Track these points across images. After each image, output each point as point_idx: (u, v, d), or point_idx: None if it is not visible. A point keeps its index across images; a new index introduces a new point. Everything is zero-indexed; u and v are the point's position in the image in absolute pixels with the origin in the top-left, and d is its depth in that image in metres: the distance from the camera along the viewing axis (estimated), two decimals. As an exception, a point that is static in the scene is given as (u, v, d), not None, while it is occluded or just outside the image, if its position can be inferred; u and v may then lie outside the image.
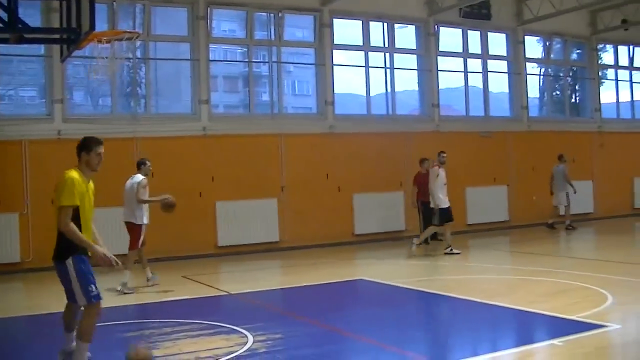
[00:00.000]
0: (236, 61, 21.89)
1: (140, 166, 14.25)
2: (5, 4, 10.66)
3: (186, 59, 19.63)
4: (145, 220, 14.08)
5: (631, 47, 28.59)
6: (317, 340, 9.15)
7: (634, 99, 28.83)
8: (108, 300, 12.53)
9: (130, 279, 13.38)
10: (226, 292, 13.34)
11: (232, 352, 8.30)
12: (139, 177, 14.01)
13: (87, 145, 8.39)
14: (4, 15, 10.87)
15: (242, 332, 9.29)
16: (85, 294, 7.54)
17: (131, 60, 18.46)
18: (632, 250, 15.58)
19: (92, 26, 10.37)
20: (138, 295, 13.43)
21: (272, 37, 20.63)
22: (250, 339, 8.92)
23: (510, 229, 23.09)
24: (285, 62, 21.29)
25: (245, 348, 8.49)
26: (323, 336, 9.41)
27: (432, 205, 17.58)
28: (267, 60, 21.04)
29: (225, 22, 21.51)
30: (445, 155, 17.81)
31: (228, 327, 9.67)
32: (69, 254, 7.63)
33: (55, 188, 7.74)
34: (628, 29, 26.68)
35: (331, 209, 20.39)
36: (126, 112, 18.84)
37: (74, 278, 7.57)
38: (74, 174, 7.82)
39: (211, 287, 13.94)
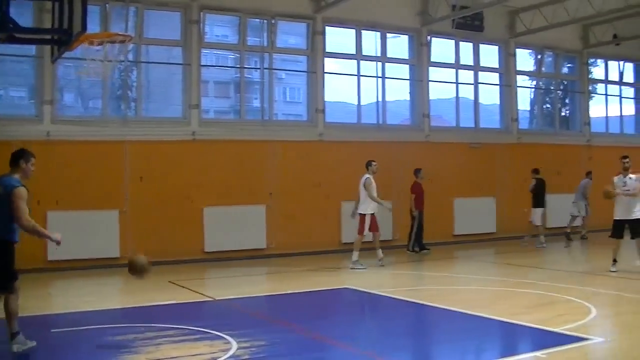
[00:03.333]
0: (228, 67, 21.86)
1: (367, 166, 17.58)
2: (-3, 4, 10.64)
3: (178, 64, 19.59)
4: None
5: (621, 62, 28.73)
6: (301, 348, 9.14)
7: (623, 113, 28.96)
8: (93, 304, 12.57)
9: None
10: (211, 297, 13.32)
11: (215, 358, 8.28)
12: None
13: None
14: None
15: (226, 338, 9.26)
16: None
17: (123, 63, 18.42)
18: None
19: (84, 27, 10.37)
20: (123, 299, 13.42)
21: (265, 43, 20.62)
22: (234, 345, 8.89)
23: (497, 241, 23.07)
24: (277, 69, 21.29)
25: (229, 354, 8.46)
26: (307, 344, 9.40)
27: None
28: (258, 67, 21.05)
29: (218, 27, 21.51)
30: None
31: (212, 333, 9.64)
32: None
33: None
34: (619, 44, 26.82)
35: (319, 216, 20.37)
36: (116, 115, 18.80)
37: None
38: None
39: (196, 292, 13.90)
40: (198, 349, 8.84)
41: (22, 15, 11.86)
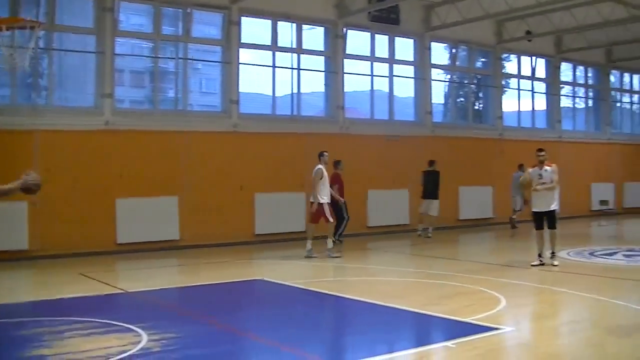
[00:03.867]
0: (143, 56, 21.48)
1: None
2: None
3: (91, 52, 19.21)
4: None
5: (533, 57, 29.37)
6: (212, 340, 9.08)
7: (535, 108, 29.59)
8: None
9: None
10: (122, 290, 13.15)
11: (125, 351, 8.16)
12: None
13: None
14: None
15: (136, 331, 9.15)
16: None
17: (33, 50, 18.02)
18: (527, 253, 16.02)
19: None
20: (32, 292, 13.18)
21: (180, 33, 20.43)
22: (145, 338, 8.78)
23: (411, 232, 23.28)
24: (192, 59, 21.07)
25: (139, 347, 8.35)
26: (219, 336, 9.35)
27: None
28: (174, 57, 20.82)
29: (134, 16, 21.18)
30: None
31: (122, 326, 9.51)
32: None
33: None
34: (531, 40, 27.38)
35: (233, 208, 20.31)
36: (26, 103, 18.36)
37: None
38: None
39: (108, 284, 13.69)
40: (108, 342, 8.70)
41: None
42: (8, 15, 16.83)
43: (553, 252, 15.50)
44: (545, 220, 15.55)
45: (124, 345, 8.44)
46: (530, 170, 15.94)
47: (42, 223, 17.40)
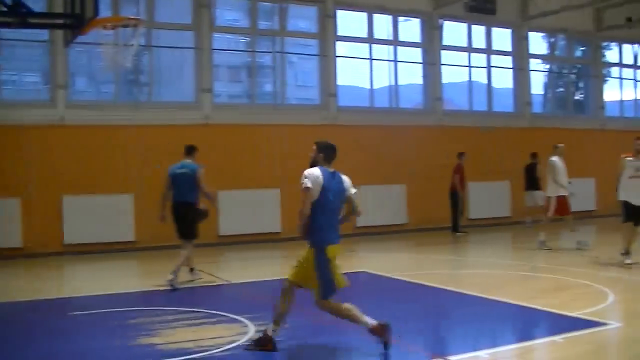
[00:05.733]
0: (239, 50, 21.75)
1: None
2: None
3: (189, 47, 19.52)
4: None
5: (635, 45, 28.53)
6: (318, 331, 9.06)
7: (638, 97, 28.77)
8: (110, 288, 12.59)
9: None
10: (227, 281, 13.29)
11: (233, 342, 8.25)
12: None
13: None
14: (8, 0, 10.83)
15: (243, 322, 9.24)
16: None
17: (135, 48, 18.34)
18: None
19: (96, 12, 10.33)
20: (140, 281, 13.45)
21: (276, 27, 20.54)
22: (252, 328, 8.86)
23: (512, 225, 22.97)
24: (288, 53, 21.19)
25: (247, 337, 8.42)
26: (325, 327, 9.32)
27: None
28: (270, 51, 20.95)
29: (229, 12, 21.42)
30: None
31: (229, 316, 9.62)
32: None
33: None
34: (632, 27, 26.61)
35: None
36: (128, 100, 18.81)
37: None
38: None
39: (212, 275, 13.87)
40: (216, 331, 8.81)
41: (33, 2, 11.82)
42: (110, 14, 17.18)
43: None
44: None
45: (232, 336, 8.53)
46: (626, 159, 14.33)
47: (146, 215, 17.74)
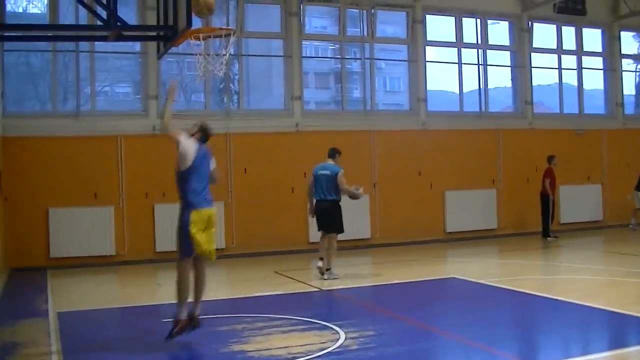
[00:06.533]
0: (328, 57, 21.87)
1: None
2: (105, 2, 10.86)
3: (279, 55, 19.74)
4: None
5: None
6: (410, 338, 9.07)
7: None
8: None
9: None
10: (317, 288, 13.35)
11: (324, 349, 8.29)
12: None
13: None
14: (103, 13, 11.09)
15: (334, 329, 9.27)
16: None
17: (226, 57, 18.59)
18: None
19: (189, 23, 10.51)
20: (229, 290, 13.61)
21: (364, 33, 20.59)
22: (343, 335, 8.89)
23: (604, 229, 22.51)
24: (377, 59, 21.18)
25: (337, 344, 8.47)
26: (416, 334, 9.33)
27: None
28: (359, 57, 21.01)
29: (316, 19, 21.55)
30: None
31: (320, 323, 9.67)
32: None
33: None
34: None
35: (422, 205, 20.24)
36: (219, 108, 19.08)
37: None
38: None
39: (302, 282, 13.97)
40: (307, 339, 8.87)
41: (124, 14, 12.08)
42: (201, 25, 17.43)
43: None
44: None
45: (323, 343, 8.58)
46: None
47: (237, 222, 18.03)
